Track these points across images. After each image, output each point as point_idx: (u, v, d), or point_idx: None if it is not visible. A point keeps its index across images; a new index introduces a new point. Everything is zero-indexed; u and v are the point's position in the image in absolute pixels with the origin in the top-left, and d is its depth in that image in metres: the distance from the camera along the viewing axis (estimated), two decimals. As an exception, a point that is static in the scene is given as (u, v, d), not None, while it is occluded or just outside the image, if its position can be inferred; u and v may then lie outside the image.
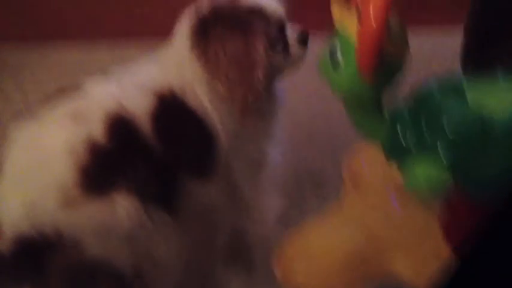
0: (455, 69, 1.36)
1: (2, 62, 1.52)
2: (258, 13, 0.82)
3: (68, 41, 1.54)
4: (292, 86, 1.38)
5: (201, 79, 0.79)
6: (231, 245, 0.93)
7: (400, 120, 0.79)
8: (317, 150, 1.20)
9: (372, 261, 0.88)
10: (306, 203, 1.07)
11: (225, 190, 0.81)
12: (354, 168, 1.05)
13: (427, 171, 0.75)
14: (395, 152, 0.80)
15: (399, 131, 0.79)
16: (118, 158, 0.66)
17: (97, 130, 0.65)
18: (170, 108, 0.73)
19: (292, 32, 0.87)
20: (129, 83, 0.75)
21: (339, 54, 0.75)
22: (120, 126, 0.67)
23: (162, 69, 0.79)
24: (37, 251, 0.60)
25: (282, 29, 0.85)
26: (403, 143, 0.78)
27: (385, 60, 0.71)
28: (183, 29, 0.83)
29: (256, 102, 0.80)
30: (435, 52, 1.49)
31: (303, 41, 0.87)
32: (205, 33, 0.79)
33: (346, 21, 0.75)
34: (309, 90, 1.37)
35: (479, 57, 1.15)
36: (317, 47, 1.43)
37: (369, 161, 1.04)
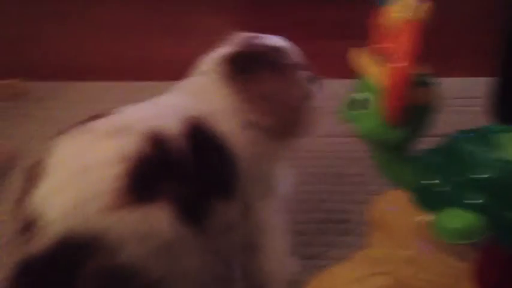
0: (483, 116, 1.37)
1: (36, 96, 1.57)
2: (285, 53, 0.93)
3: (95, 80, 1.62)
4: (317, 129, 1.40)
5: (233, 110, 0.85)
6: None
7: (431, 169, 0.78)
8: (341, 196, 1.19)
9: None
10: (330, 251, 1.05)
11: (241, 210, 0.85)
12: (380, 213, 1.04)
13: (460, 222, 0.74)
14: (425, 200, 0.79)
15: (428, 181, 0.78)
16: (157, 172, 0.70)
17: (138, 144, 0.70)
18: (200, 133, 0.78)
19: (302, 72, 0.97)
20: (162, 108, 0.82)
21: (365, 99, 0.75)
22: (157, 143, 0.71)
23: (192, 98, 0.85)
24: (75, 252, 0.63)
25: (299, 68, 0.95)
26: (433, 192, 0.77)
27: (413, 105, 0.71)
28: (215, 63, 0.89)
29: (294, 133, 0.93)
30: (463, 98, 1.49)
31: (312, 80, 0.99)
32: (244, 69, 0.86)
33: (372, 66, 0.75)
34: (334, 134, 1.38)
35: (509, 105, 1.15)
36: (342, 91, 1.47)
37: (395, 206, 1.03)
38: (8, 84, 1.55)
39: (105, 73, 1.61)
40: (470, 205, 0.73)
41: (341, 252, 1.03)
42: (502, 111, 1.16)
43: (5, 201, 1.19)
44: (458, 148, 0.79)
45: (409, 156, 0.80)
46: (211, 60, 0.90)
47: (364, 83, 0.75)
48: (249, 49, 0.89)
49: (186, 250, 0.71)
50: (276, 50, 0.91)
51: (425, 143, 0.82)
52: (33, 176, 0.68)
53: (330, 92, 1.55)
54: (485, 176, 0.74)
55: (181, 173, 0.73)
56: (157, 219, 0.67)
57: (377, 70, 0.73)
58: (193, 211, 0.72)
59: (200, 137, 0.77)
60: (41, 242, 0.63)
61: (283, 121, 0.89)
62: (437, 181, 0.77)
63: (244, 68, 0.87)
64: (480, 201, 0.73)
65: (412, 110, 0.71)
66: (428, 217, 0.95)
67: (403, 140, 0.76)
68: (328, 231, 1.09)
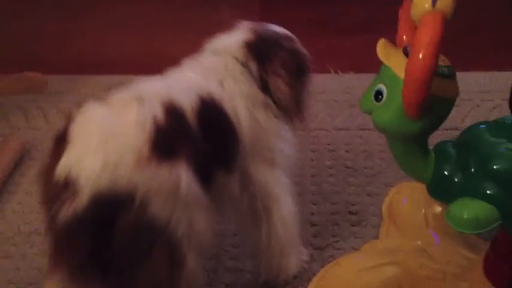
0: (502, 110, 1.36)
1: (53, 89, 1.58)
2: (292, 39, 1.00)
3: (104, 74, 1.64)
4: (333, 122, 1.40)
5: (243, 90, 0.91)
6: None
7: (448, 160, 0.78)
8: (354, 188, 1.19)
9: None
10: (340, 242, 1.05)
11: (242, 183, 0.91)
12: (391, 205, 1.04)
13: (474, 212, 0.73)
14: (441, 191, 0.79)
15: (446, 172, 0.77)
16: (175, 136, 0.76)
17: (157, 111, 0.76)
18: (209, 108, 0.84)
19: None
20: (177, 82, 0.87)
21: (384, 90, 0.75)
22: (173, 111, 0.78)
23: (204, 75, 0.90)
24: (110, 208, 0.68)
25: None
26: (449, 183, 0.77)
27: (432, 97, 0.70)
28: (232, 46, 0.95)
29: (296, 113, 0.99)
30: (483, 92, 1.47)
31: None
32: (261, 53, 0.94)
33: (393, 58, 0.75)
34: (350, 126, 1.38)
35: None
36: (358, 85, 1.47)
37: (409, 198, 1.04)
38: (27, 76, 1.57)
39: (121, 67, 1.61)
40: (484, 195, 0.73)
41: (351, 243, 1.04)
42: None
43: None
44: (475, 139, 0.78)
45: (427, 148, 0.80)
46: (225, 42, 0.96)
47: (385, 75, 0.75)
48: (261, 36, 0.96)
49: (199, 207, 0.78)
50: (283, 37, 0.98)
51: (442, 136, 0.82)
52: (61, 143, 0.72)
53: (345, 86, 1.56)
54: (501, 166, 0.73)
55: (191, 141, 0.79)
56: (178, 177, 0.73)
57: (398, 62, 0.73)
58: (203, 175, 0.79)
59: (209, 112, 0.83)
60: (76, 202, 0.68)
61: (290, 101, 0.96)
62: (452, 172, 0.77)
63: (259, 52, 0.93)
64: (495, 191, 0.73)
65: (432, 101, 0.70)
66: (437, 209, 0.96)
67: (421, 132, 0.75)
68: (340, 222, 1.09)
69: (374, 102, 0.76)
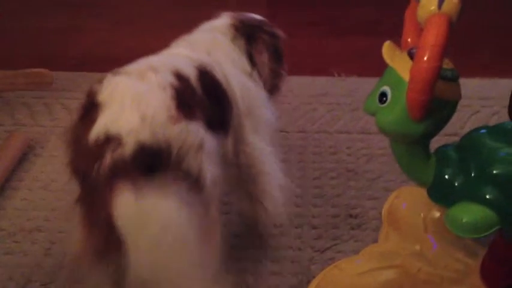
0: (502, 117, 1.36)
1: (58, 86, 1.57)
2: (269, 24, 1.12)
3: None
4: (335, 125, 1.41)
5: (233, 62, 1.02)
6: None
7: (449, 164, 0.78)
8: (355, 191, 1.19)
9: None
10: (340, 245, 1.06)
11: (234, 147, 0.99)
12: (394, 209, 1.05)
13: (474, 216, 0.74)
14: (441, 195, 0.79)
15: (446, 175, 0.78)
16: (191, 99, 0.84)
17: (171, 78, 0.83)
18: (204, 76, 0.91)
19: None
20: (177, 57, 0.96)
21: (388, 92, 0.75)
22: (182, 79, 0.85)
23: (192, 49, 0.99)
24: (153, 157, 0.74)
25: None
26: (449, 187, 0.77)
27: (435, 100, 0.71)
28: (219, 26, 1.07)
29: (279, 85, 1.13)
30: (483, 99, 1.48)
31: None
32: (247, 34, 1.06)
33: (398, 60, 0.76)
34: (352, 130, 1.38)
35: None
36: (363, 88, 1.47)
37: (408, 203, 1.04)
38: (33, 72, 1.57)
39: (127, 64, 1.63)
40: (483, 200, 0.73)
41: (351, 246, 1.04)
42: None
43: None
44: (476, 144, 0.79)
45: (428, 151, 0.80)
46: (212, 24, 1.08)
47: (390, 76, 0.76)
48: (244, 20, 1.09)
49: (216, 161, 0.85)
50: (263, 21, 1.12)
51: (442, 141, 0.83)
52: (90, 110, 0.77)
53: (348, 89, 1.57)
54: (501, 171, 0.73)
55: (202, 105, 0.86)
56: (202, 134, 0.81)
57: (403, 64, 0.73)
58: (213, 132, 0.86)
59: (205, 79, 0.90)
60: (121, 151, 0.73)
61: (271, 78, 1.09)
62: (453, 176, 0.78)
63: (245, 33, 1.06)
64: (494, 196, 0.73)
65: (435, 104, 0.71)
66: (436, 214, 0.97)
67: (424, 134, 0.76)
68: (340, 225, 1.09)
69: (378, 103, 0.77)
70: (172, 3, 2.20)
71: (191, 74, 0.88)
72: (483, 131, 0.82)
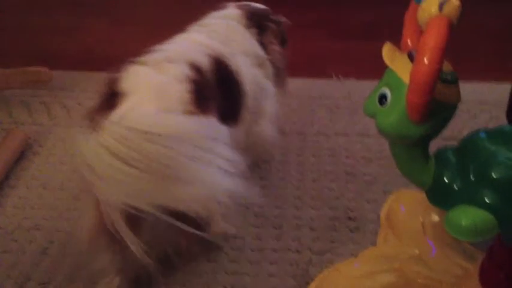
0: (499, 121, 1.37)
1: (56, 85, 1.58)
2: (274, 14, 1.18)
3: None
4: (333, 127, 1.41)
5: (245, 52, 1.05)
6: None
7: (448, 167, 0.78)
8: (353, 194, 1.20)
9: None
10: (339, 247, 1.06)
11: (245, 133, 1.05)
12: (392, 212, 1.05)
13: (473, 220, 0.74)
14: (440, 198, 0.79)
15: (446, 178, 0.78)
16: (205, 91, 0.88)
17: (187, 70, 0.87)
18: (219, 66, 0.95)
19: None
20: (193, 44, 0.99)
21: (388, 94, 0.75)
22: (197, 70, 0.89)
23: (209, 36, 1.02)
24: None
25: None
26: (449, 190, 0.78)
27: (435, 102, 0.71)
28: (232, 15, 1.10)
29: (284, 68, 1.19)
30: (481, 103, 1.49)
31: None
32: (258, 21, 1.12)
33: (398, 62, 0.76)
34: (350, 132, 1.39)
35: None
36: (362, 91, 1.48)
37: (407, 206, 1.05)
38: (32, 71, 1.57)
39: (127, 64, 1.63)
40: (483, 204, 0.73)
41: (350, 249, 1.04)
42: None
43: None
44: (475, 147, 0.79)
45: (428, 154, 0.80)
46: (223, 12, 1.11)
47: (390, 78, 0.76)
48: (251, 10, 1.13)
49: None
50: (267, 11, 1.17)
51: (440, 145, 0.83)
52: (112, 98, 0.81)
53: (347, 91, 1.57)
54: (500, 175, 0.73)
55: (216, 96, 0.90)
56: (215, 124, 0.87)
57: (403, 66, 0.73)
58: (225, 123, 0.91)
59: (221, 71, 0.95)
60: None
61: (281, 65, 1.15)
62: (452, 179, 0.77)
63: (256, 22, 1.11)
64: (493, 200, 0.73)
65: (435, 106, 0.71)
66: (435, 217, 0.97)
67: (424, 136, 0.76)
68: (338, 228, 1.09)
69: (378, 105, 0.77)
70: (172, 2, 2.19)
71: (207, 65, 0.92)
72: (482, 134, 0.82)
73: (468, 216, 0.74)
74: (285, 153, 1.31)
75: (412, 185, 0.84)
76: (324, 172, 1.25)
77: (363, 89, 1.54)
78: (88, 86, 1.56)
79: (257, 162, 1.23)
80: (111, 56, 1.82)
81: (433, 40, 0.67)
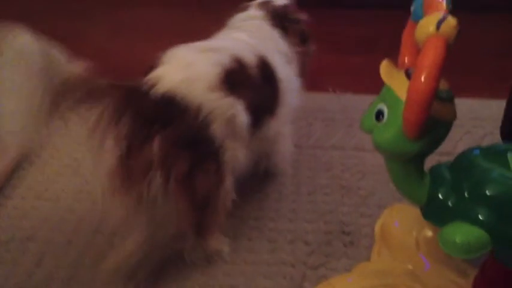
0: (494, 138, 1.38)
1: None
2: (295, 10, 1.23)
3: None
4: (329, 141, 1.42)
5: (279, 49, 1.13)
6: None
7: (443, 184, 0.79)
8: (348, 208, 1.20)
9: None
10: (332, 262, 1.06)
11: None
12: (386, 227, 1.05)
13: (466, 237, 0.74)
14: (435, 214, 0.80)
15: (440, 195, 0.79)
16: (238, 81, 0.95)
17: (227, 60, 0.96)
18: (262, 64, 1.03)
19: None
20: (237, 42, 1.07)
21: (385, 110, 0.76)
22: (238, 63, 0.97)
23: (249, 35, 1.10)
24: (177, 108, 0.87)
25: None
26: (443, 207, 0.78)
27: (431, 119, 0.72)
28: (258, 15, 1.17)
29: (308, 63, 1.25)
30: (475, 119, 1.49)
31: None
32: (280, 21, 1.17)
33: (395, 79, 0.77)
34: (346, 146, 1.39)
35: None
36: (358, 105, 1.49)
37: (401, 221, 1.05)
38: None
39: (126, 74, 1.62)
40: (476, 220, 0.74)
41: (344, 264, 1.04)
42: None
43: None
44: (469, 164, 0.79)
45: (423, 170, 0.81)
46: (250, 12, 1.18)
47: (387, 95, 0.77)
48: (273, 9, 1.18)
49: (242, 144, 0.98)
50: (289, 8, 1.21)
51: (434, 160, 0.84)
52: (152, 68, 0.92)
53: (343, 105, 1.58)
54: (493, 192, 0.74)
55: (252, 90, 0.98)
56: (236, 111, 0.94)
57: (400, 83, 0.74)
58: (253, 120, 0.99)
59: (265, 69, 1.03)
60: (155, 92, 0.87)
61: (303, 61, 1.21)
62: (446, 195, 0.78)
63: (279, 21, 1.16)
64: (486, 217, 0.74)
65: (431, 123, 0.72)
66: (429, 233, 0.97)
67: (419, 153, 0.76)
68: (333, 242, 1.10)
69: (375, 121, 0.78)
70: (174, 12, 2.21)
71: (251, 61, 1.00)
72: (476, 151, 0.83)
73: (462, 233, 0.75)
74: (281, 166, 1.31)
75: (407, 200, 0.85)
76: (319, 186, 1.25)
77: (359, 103, 1.56)
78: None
79: (268, 170, 1.25)
80: (111, 66, 1.83)
81: (430, 59, 0.68)
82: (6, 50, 0.80)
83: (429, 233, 0.97)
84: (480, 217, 0.74)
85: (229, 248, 1.06)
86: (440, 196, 0.79)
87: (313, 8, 1.24)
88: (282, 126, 1.15)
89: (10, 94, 0.79)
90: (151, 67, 0.92)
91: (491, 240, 0.74)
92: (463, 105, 1.51)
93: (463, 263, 0.92)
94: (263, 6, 1.19)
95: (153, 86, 0.87)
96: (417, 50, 0.74)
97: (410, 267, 0.94)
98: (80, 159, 1.33)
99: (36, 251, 1.07)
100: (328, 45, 1.99)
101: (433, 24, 0.69)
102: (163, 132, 0.85)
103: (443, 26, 0.69)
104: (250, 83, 0.98)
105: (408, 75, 0.75)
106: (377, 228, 1.05)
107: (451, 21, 0.69)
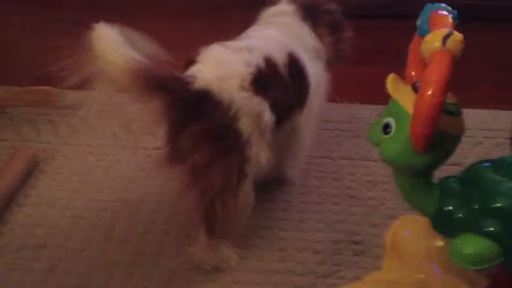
0: (504, 149, 1.38)
1: (62, 104, 1.56)
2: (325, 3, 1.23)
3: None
4: (338, 151, 1.43)
5: (308, 44, 1.14)
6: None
7: (452, 196, 0.80)
8: (357, 218, 1.20)
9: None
10: (342, 271, 1.07)
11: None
12: (393, 237, 1.05)
13: (476, 248, 0.75)
14: (445, 226, 0.81)
15: (450, 207, 0.79)
16: (269, 81, 1.00)
17: (260, 60, 1.00)
18: (294, 63, 1.07)
19: None
20: (268, 40, 1.09)
21: (392, 124, 0.77)
22: (271, 64, 1.01)
23: (282, 33, 1.12)
24: (209, 102, 0.93)
25: None
26: (453, 218, 0.79)
27: (439, 133, 0.72)
28: (289, 11, 1.17)
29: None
30: (485, 130, 1.49)
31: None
32: (310, 13, 1.18)
33: (402, 93, 0.78)
34: (354, 156, 1.40)
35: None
36: (366, 115, 1.50)
37: (412, 231, 1.05)
38: (40, 90, 1.58)
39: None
40: (486, 232, 0.75)
41: (354, 273, 1.05)
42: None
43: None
44: (479, 176, 0.80)
45: (432, 182, 0.81)
46: (281, 8, 1.19)
47: (394, 108, 0.77)
48: (303, 3, 1.19)
49: (266, 144, 1.01)
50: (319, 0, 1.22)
51: (445, 171, 0.84)
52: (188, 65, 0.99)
53: (351, 116, 1.59)
54: (504, 205, 0.75)
55: (281, 88, 1.02)
56: (263, 110, 0.98)
57: (407, 97, 0.75)
58: (279, 118, 1.02)
59: (294, 67, 1.06)
60: (191, 88, 0.93)
61: (334, 54, 1.22)
62: (456, 207, 0.79)
63: (309, 15, 1.17)
64: (496, 229, 0.74)
65: (439, 137, 0.72)
66: (440, 243, 0.98)
67: (427, 166, 0.77)
68: (343, 251, 1.10)
69: (382, 134, 0.78)
70: (182, 22, 2.21)
71: (282, 60, 1.04)
72: (486, 164, 0.83)
73: (472, 244, 0.76)
74: (290, 176, 1.32)
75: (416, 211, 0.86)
76: (327, 195, 1.26)
77: (366, 113, 1.57)
78: (95, 106, 1.57)
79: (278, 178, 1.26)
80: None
81: (436, 74, 0.69)
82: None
83: (440, 243, 0.96)
84: (490, 229, 0.75)
85: (237, 257, 1.07)
86: (450, 208, 0.79)
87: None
88: (309, 120, 1.17)
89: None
90: (190, 62, 0.98)
91: (502, 251, 0.74)
92: (473, 115, 1.51)
93: (474, 274, 0.92)
94: (292, 0, 1.20)
95: (191, 81, 0.93)
96: (424, 64, 0.75)
97: (421, 276, 0.94)
98: (91, 167, 1.34)
99: (48, 258, 1.08)
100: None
101: (439, 39, 0.70)
102: (196, 124, 0.92)
103: (449, 42, 0.70)
104: (280, 82, 1.02)
105: (415, 88, 0.76)
106: (387, 238, 1.05)
107: (457, 36, 0.70)
